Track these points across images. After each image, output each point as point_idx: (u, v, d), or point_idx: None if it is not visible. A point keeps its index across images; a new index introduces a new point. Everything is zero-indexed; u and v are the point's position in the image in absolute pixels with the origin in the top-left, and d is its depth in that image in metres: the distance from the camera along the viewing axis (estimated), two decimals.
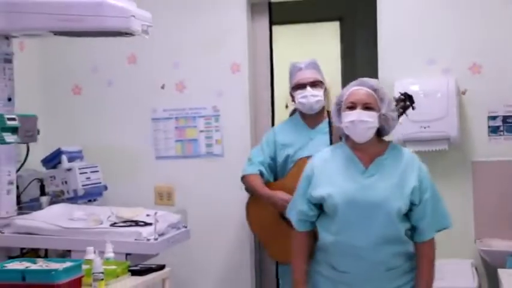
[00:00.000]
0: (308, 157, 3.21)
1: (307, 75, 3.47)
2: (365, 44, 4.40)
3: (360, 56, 5.31)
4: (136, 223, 3.26)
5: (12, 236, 3.27)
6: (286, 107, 6.23)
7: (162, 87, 4.17)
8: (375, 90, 2.65)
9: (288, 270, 3.31)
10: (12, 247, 3.36)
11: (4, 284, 2.54)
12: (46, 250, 3.38)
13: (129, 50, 4.15)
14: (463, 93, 3.83)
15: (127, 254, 3.12)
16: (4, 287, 2.54)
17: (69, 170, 3.77)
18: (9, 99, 3.40)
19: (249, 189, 3.55)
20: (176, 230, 3.39)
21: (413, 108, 3.10)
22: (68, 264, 2.61)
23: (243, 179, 3.54)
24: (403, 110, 3.08)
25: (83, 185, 3.78)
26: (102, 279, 2.66)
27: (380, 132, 2.70)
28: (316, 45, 5.52)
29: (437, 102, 3.69)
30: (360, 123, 2.61)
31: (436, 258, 2.68)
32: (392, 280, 2.63)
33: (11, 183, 3.40)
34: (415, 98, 3.12)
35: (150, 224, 3.21)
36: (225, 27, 4.08)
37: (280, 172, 3.51)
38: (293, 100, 3.53)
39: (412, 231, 2.65)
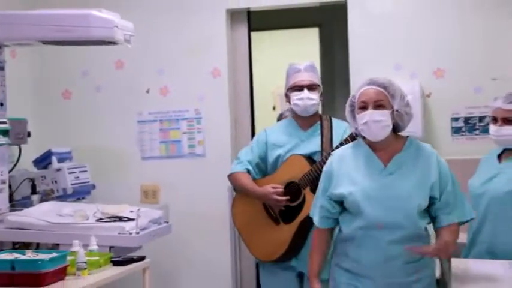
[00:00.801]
0: (299, 155, 3.40)
1: (306, 78, 3.46)
2: (341, 48, 4.63)
3: (337, 59, 5.56)
4: (120, 218, 3.50)
5: (5, 231, 3.50)
6: (274, 108, 6.47)
7: (147, 92, 4.41)
8: (385, 87, 2.64)
9: (270, 267, 3.44)
10: (5, 241, 3.60)
11: None
12: (37, 244, 3.62)
13: (116, 56, 4.38)
14: (428, 96, 4.08)
15: (111, 247, 3.36)
16: None
17: (58, 170, 4.00)
18: (1, 104, 3.62)
19: (237, 186, 3.54)
20: (158, 225, 3.61)
21: None
22: (53, 255, 2.85)
23: (231, 176, 3.53)
24: None
25: (71, 184, 4.01)
26: (85, 269, 2.90)
27: (396, 128, 2.69)
28: (297, 49, 5.77)
29: None
30: (374, 124, 2.61)
31: None
32: (411, 274, 2.64)
33: (3, 182, 3.63)
34: None
35: (132, 220, 3.45)
36: (206, 34, 4.32)
37: (270, 172, 3.51)
38: (288, 101, 3.52)
39: (433, 220, 2.69)
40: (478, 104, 4.00)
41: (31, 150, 4.16)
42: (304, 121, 3.50)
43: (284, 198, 3.34)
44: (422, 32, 4.08)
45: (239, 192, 3.56)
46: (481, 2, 4.04)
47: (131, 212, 3.58)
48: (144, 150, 4.42)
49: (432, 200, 2.66)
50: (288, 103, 3.53)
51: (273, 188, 3.36)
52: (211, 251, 4.32)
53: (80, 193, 4.12)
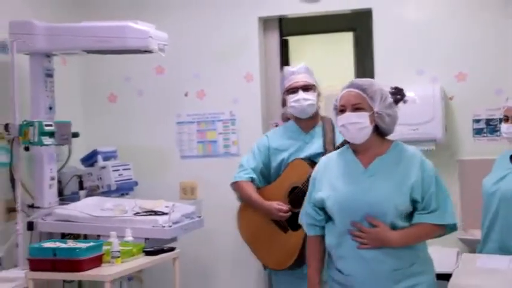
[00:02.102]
0: (302, 158, 3.44)
1: (299, 79, 3.52)
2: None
3: (370, 64, 5.72)
4: (155, 213, 3.81)
5: (53, 223, 3.85)
6: None
7: (186, 95, 4.70)
8: (363, 89, 2.62)
9: (284, 277, 3.48)
10: (54, 232, 3.96)
11: (39, 258, 3.14)
12: (85, 235, 3.94)
13: (157, 62, 4.67)
14: (451, 98, 4.24)
15: (146, 239, 3.68)
16: (39, 261, 3.13)
17: (103, 167, 4.33)
18: (50, 108, 3.98)
19: (242, 196, 3.61)
20: (190, 219, 3.92)
21: (404, 102, 2.94)
22: (90, 244, 3.18)
23: (234, 185, 3.61)
24: (396, 103, 3.24)
25: (115, 181, 4.33)
26: (119, 257, 3.22)
27: (381, 131, 2.67)
28: (332, 54, 5.99)
29: (425, 107, 4.09)
30: (350, 126, 2.60)
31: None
32: (399, 281, 2.59)
33: (52, 178, 3.99)
34: (407, 104, 3.17)
35: (166, 214, 3.76)
36: (239, 41, 4.59)
37: (274, 177, 3.57)
38: (285, 104, 3.60)
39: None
40: (498, 106, 4.11)
41: (80, 150, 4.52)
42: (305, 123, 3.53)
43: (287, 215, 3.40)
44: (443, 37, 4.25)
45: (243, 201, 3.61)
46: (503, 5, 4.16)
47: (166, 206, 3.89)
48: (183, 150, 4.72)
49: (415, 204, 2.63)
50: (286, 107, 3.60)
51: (278, 205, 3.41)
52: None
53: (124, 189, 4.43)
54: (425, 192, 2.62)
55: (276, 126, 4.26)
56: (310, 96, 3.48)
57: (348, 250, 2.62)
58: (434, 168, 2.70)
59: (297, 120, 3.58)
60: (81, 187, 4.35)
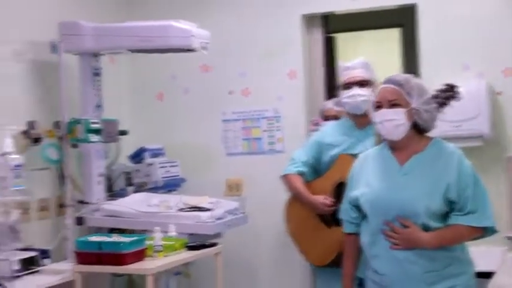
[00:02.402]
0: (351, 154, 3.34)
1: (354, 75, 3.43)
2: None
3: (417, 60, 5.66)
4: (199, 209, 3.88)
5: (101, 218, 3.96)
6: None
7: (231, 93, 4.77)
8: (401, 85, 2.58)
9: (327, 275, 3.43)
10: (102, 227, 4.07)
11: (86, 252, 3.24)
12: (133, 230, 4.02)
13: (202, 61, 4.74)
14: (499, 94, 4.17)
15: (189, 234, 3.75)
16: (86, 254, 3.24)
17: (150, 164, 4.42)
18: (98, 106, 4.10)
19: (289, 189, 3.59)
20: (233, 215, 3.97)
21: (457, 99, 2.85)
22: (133, 238, 3.27)
23: (284, 178, 3.60)
24: (446, 101, 3.12)
25: (162, 177, 4.42)
26: (161, 251, 3.30)
27: (420, 128, 2.61)
28: (381, 50, 5.95)
29: (470, 103, 4.00)
30: (387, 123, 2.58)
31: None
32: (433, 283, 2.54)
33: (100, 175, 4.10)
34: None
35: (209, 210, 3.82)
36: (282, 38, 4.62)
37: (324, 172, 3.53)
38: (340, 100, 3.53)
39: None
40: None
41: (129, 147, 4.63)
42: (359, 120, 3.45)
43: (331, 209, 3.37)
44: (490, 31, 4.18)
45: (292, 194, 3.61)
46: None
47: (210, 203, 3.95)
48: (228, 147, 4.78)
49: (451, 205, 2.56)
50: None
51: (324, 199, 3.41)
52: (290, 242, 4.60)
53: (171, 186, 4.52)
54: (461, 193, 2.55)
55: (316, 124, 4.25)
56: (364, 92, 3.39)
57: (381, 249, 2.60)
58: (473, 168, 2.62)
59: (352, 116, 3.51)
60: (129, 183, 4.45)
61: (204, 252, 3.53)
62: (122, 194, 4.35)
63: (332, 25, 5.23)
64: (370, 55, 5.43)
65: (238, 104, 4.74)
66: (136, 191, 4.36)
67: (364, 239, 2.68)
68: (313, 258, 3.52)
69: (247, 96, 4.73)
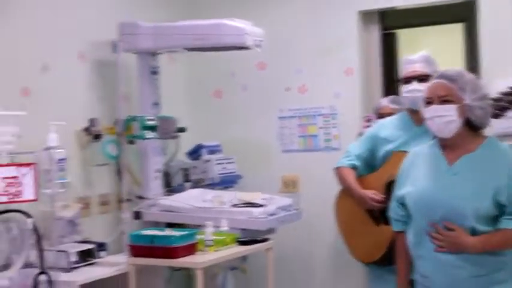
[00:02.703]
0: (405, 151, 3.14)
1: (414, 69, 3.33)
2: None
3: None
4: (252, 204, 3.93)
5: (157, 213, 4.07)
6: None
7: (287, 90, 4.79)
8: (453, 80, 2.50)
9: (378, 271, 3.38)
10: (160, 222, 4.17)
11: (139, 245, 3.34)
12: (189, 225, 4.10)
13: (259, 58, 4.78)
14: None
15: (242, 229, 3.80)
16: (139, 247, 3.34)
17: (207, 161, 4.50)
18: (156, 104, 4.21)
19: (340, 182, 3.57)
20: (287, 211, 4.00)
21: None
22: (184, 233, 3.34)
23: (336, 170, 3.57)
24: (510, 105, 3.04)
25: (219, 174, 4.50)
26: (212, 246, 3.36)
27: (473, 126, 2.52)
28: (444, 46, 5.83)
29: None
30: (437, 119, 2.50)
31: None
32: None
33: (157, 171, 4.22)
34: None
35: (262, 206, 3.86)
36: (339, 35, 4.61)
37: (378, 167, 3.46)
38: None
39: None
40: None
41: (188, 144, 4.73)
42: (418, 116, 3.25)
43: (380, 205, 3.31)
44: None
45: (342, 187, 3.58)
46: None
47: (264, 199, 3.99)
48: (284, 144, 4.80)
49: (501, 208, 2.45)
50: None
51: (373, 194, 3.34)
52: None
53: (227, 182, 4.58)
54: (511, 196, 2.44)
55: (368, 120, 4.21)
56: (424, 87, 3.08)
57: (426, 251, 2.52)
58: None
59: (410, 111, 3.40)
60: (186, 180, 4.54)
61: (255, 247, 3.58)
62: (179, 189, 4.44)
63: (391, 21, 5.18)
64: (432, 51, 5.34)
65: (294, 101, 4.76)
66: (193, 187, 4.44)
67: (410, 238, 2.61)
68: (360, 254, 3.49)
69: (304, 93, 4.74)
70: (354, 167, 3.51)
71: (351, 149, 3.59)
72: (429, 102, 2.56)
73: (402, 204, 2.64)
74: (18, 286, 2.08)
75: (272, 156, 4.84)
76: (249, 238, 3.64)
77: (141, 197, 4.19)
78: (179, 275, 4.50)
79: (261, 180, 4.73)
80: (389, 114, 3.96)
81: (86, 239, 3.60)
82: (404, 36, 5.82)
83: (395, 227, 2.72)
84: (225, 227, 3.63)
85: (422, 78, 3.31)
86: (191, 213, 3.94)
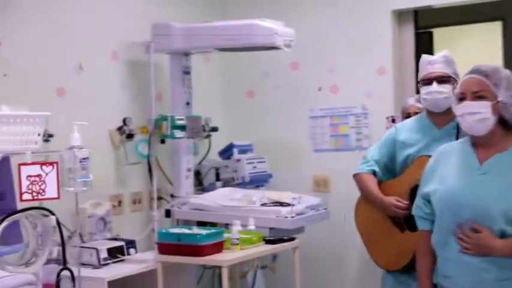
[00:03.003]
0: (428, 156, 2.97)
1: (434, 70, 3.21)
2: None
3: None
4: (281, 204, 3.95)
5: (187, 211, 4.12)
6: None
7: (319, 90, 4.79)
8: (487, 76, 2.40)
9: (400, 277, 3.21)
10: (190, 220, 4.22)
11: (166, 243, 3.39)
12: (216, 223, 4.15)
13: (292, 58, 4.79)
14: None
15: (270, 228, 3.82)
16: (166, 245, 3.39)
17: (238, 160, 4.54)
18: (187, 104, 4.26)
19: (361, 189, 3.43)
20: (315, 211, 4.00)
21: None
22: (211, 231, 3.38)
23: (356, 177, 3.43)
24: None
25: (249, 173, 4.53)
26: (238, 244, 3.39)
27: (508, 124, 2.43)
28: (482, 44, 5.75)
29: None
30: (469, 116, 2.40)
31: None
32: None
33: (189, 170, 4.26)
34: None
35: (290, 205, 3.88)
36: (372, 34, 4.59)
37: (398, 172, 3.33)
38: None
39: None
40: None
41: (221, 143, 4.78)
42: (438, 118, 3.24)
43: (404, 212, 3.18)
44: None
45: (363, 195, 3.43)
46: None
47: (294, 198, 4.01)
48: (316, 143, 4.81)
49: None
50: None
51: (397, 200, 3.21)
52: None
53: (258, 181, 4.61)
54: None
55: (393, 121, 4.17)
56: (444, 89, 3.16)
57: (452, 252, 2.44)
58: None
59: (430, 114, 3.28)
60: (217, 178, 4.59)
61: (281, 246, 3.59)
62: (211, 188, 4.49)
63: (427, 20, 5.13)
64: (469, 51, 5.28)
65: (326, 100, 4.76)
66: (224, 186, 4.49)
67: (435, 238, 2.51)
68: (383, 262, 3.33)
69: (335, 93, 4.74)
70: (374, 173, 3.37)
71: (369, 154, 3.44)
72: (462, 98, 2.45)
73: (428, 201, 2.54)
74: (42, 281, 2.15)
75: (303, 155, 4.84)
76: (275, 237, 3.65)
77: (173, 196, 4.25)
78: (209, 273, 4.55)
79: (293, 179, 4.74)
80: (416, 113, 3.87)
81: (117, 237, 3.66)
82: (440, 36, 5.76)
83: (422, 225, 2.60)
84: (251, 226, 3.66)
85: (443, 79, 3.20)
86: (219, 211, 3.98)
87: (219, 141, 4.78)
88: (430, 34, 5.71)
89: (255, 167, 4.60)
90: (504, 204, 2.34)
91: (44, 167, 2.19)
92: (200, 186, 4.60)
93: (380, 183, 3.35)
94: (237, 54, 4.69)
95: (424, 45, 5.28)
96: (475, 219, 2.38)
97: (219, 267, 4.29)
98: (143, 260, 3.47)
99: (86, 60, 3.97)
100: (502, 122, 2.42)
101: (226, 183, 4.53)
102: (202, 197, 4.18)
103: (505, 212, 2.33)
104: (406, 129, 3.34)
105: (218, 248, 3.35)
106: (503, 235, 2.36)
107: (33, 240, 2.15)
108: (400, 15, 4.64)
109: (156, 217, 3.94)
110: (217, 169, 4.61)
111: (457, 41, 5.99)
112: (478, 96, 2.41)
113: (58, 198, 2.30)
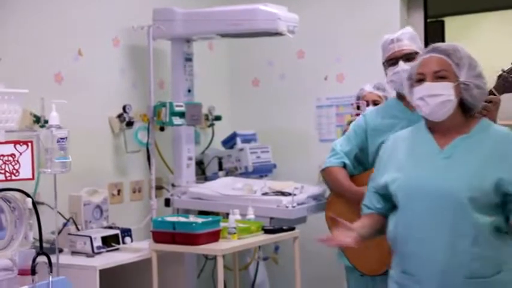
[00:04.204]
0: None
1: (402, 48, 2.92)
2: None
3: None
4: (283, 193, 3.85)
5: (186, 200, 4.04)
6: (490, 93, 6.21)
7: (325, 79, 4.69)
8: (448, 55, 2.20)
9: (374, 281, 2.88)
10: (191, 209, 4.13)
11: (161, 231, 3.31)
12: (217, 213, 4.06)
13: (298, 46, 4.70)
14: None
15: (271, 218, 3.73)
16: (161, 233, 3.30)
17: (241, 150, 4.45)
18: (189, 91, 4.17)
19: (331, 183, 3.04)
20: (318, 201, 3.90)
21: None
22: (207, 219, 3.29)
23: (324, 171, 3.06)
24: None
25: (253, 163, 4.44)
26: (235, 233, 3.30)
27: (466, 108, 2.22)
28: (496, 34, 5.60)
29: None
30: (431, 99, 2.17)
31: None
32: None
33: (190, 158, 4.18)
34: None
35: (291, 194, 3.78)
36: (380, 22, 4.46)
37: (371, 163, 2.85)
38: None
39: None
40: None
41: (225, 132, 4.70)
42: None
43: None
44: None
45: (334, 190, 3.08)
46: None
47: (296, 188, 3.91)
48: (322, 133, 4.71)
49: (507, 197, 2.14)
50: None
51: None
52: None
53: (261, 171, 4.53)
54: None
55: (358, 107, 3.64)
56: None
57: (415, 247, 2.18)
58: None
59: (400, 96, 2.97)
60: (220, 168, 4.51)
61: (281, 236, 3.49)
62: (214, 178, 4.41)
63: (439, 8, 4.99)
64: (485, 41, 5.11)
65: (332, 89, 4.66)
66: (227, 176, 4.40)
67: (395, 233, 2.25)
68: (364, 267, 2.93)
69: (342, 82, 4.63)
70: (344, 166, 3.00)
71: (337, 146, 3.07)
72: (421, 79, 2.22)
73: (382, 195, 2.31)
74: (19, 267, 2.07)
75: (309, 145, 4.74)
76: (275, 227, 3.56)
77: (174, 185, 4.17)
78: (211, 265, 4.46)
79: (298, 169, 4.64)
80: (375, 102, 3.69)
81: (112, 225, 3.59)
82: (455, 24, 5.60)
83: (367, 211, 2.37)
84: (251, 215, 3.57)
85: (410, 56, 2.90)
86: (220, 201, 3.90)
87: (223, 131, 4.70)
88: (442, 24, 5.55)
89: (258, 157, 4.51)
90: (470, 189, 2.12)
91: (17, 146, 2.10)
92: (203, 175, 4.52)
93: (351, 177, 2.99)
94: (242, 42, 4.60)
95: (435, 35, 5.15)
96: (442, 207, 2.14)
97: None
98: (138, 249, 3.39)
99: (86, 46, 3.90)
100: (461, 105, 2.22)
101: (229, 173, 4.45)
102: (203, 186, 4.10)
103: (472, 197, 2.12)
104: (376, 116, 3.01)
105: (214, 237, 3.26)
106: (475, 224, 2.12)
107: (11, 224, 2.07)
108: (409, 2, 4.51)
109: (154, 206, 3.86)
110: (220, 158, 4.53)
111: (471, 31, 5.81)
112: (439, 77, 2.20)
113: (32, 179, 2.22)
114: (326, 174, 3.06)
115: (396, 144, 2.35)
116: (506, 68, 2.59)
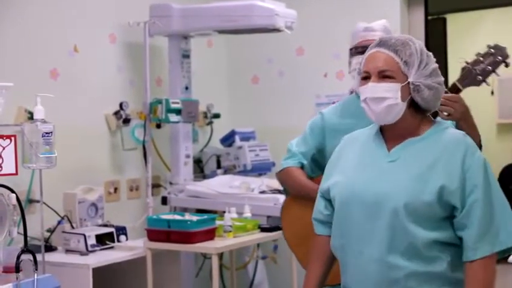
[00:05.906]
0: None
1: (373, 38, 2.61)
2: None
3: None
4: (279, 191, 3.80)
5: (183, 198, 4.00)
6: (492, 93, 6.09)
7: (325, 76, 4.64)
8: (396, 51, 1.92)
9: None
10: (188, 207, 4.09)
11: (156, 229, 3.27)
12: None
13: (297, 43, 4.65)
14: None
15: (268, 216, 3.68)
16: (156, 231, 3.27)
17: (240, 148, 4.40)
18: (187, 88, 4.13)
19: (291, 183, 2.78)
20: None
21: (506, 65, 2.37)
22: (202, 217, 3.25)
23: (280, 173, 2.81)
24: (492, 68, 2.37)
25: (251, 161, 4.40)
26: (230, 231, 3.26)
27: (419, 108, 1.96)
28: (501, 32, 5.54)
29: None
30: (375, 104, 1.92)
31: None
32: None
33: (187, 156, 4.14)
34: None
35: None
36: (380, 18, 4.34)
37: None
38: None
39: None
40: None
41: (224, 130, 4.65)
42: None
43: None
44: None
45: (294, 191, 2.79)
46: None
47: None
48: None
49: (453, 211, 1.90)
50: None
51: None
52: None
53: (260, 169, 4.47)
54: (465, 196, 1.89)
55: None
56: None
57: (349, 255, 1.99)
58: (487, 164, 1.95)
59: None
60: (219, 166, 4.47)
61: (277, 234, 3.44)
62: (212, 176, 4.37)
63: (440, 5, 4.93)
64: (489, 39, 5.04)
65: (332, 87, 4.59)
66: (225, 174, 4.36)
67: (334, 242, 2.05)
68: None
69: (342, 79, 4.57)
70: (302, 167, 2.76)
71: (293, 147, 2.85)
72: (366, 77, 1.97)
73: (329, 200, 2.08)
74: (4, 264, 2.03)
75: None
76: (271, 225, 3.51)
77: (171, 183, 4.13)
78: (210, 264, 4.41)
79: None
80: None
81: (107, 223, 3.55)
82: (457, 21, 5.54)
83: (319, 229, 2.13)
84: (247, 213, 3.52)
85: None
86: (217, 199, 3.87)
87: (222, 128, 4.65)
88: (444, 21, 5.50)
89: (257, 155, 4.46)
90: (408, 195, 1.90)
91: (0, 140, 2.05)
92: (201, 173, 4.47)
93: (310, 179, 2.73)
94: (241, 40, 4.55)
95: (436, 32, 5.10)
96: (378, 214, 1.92)
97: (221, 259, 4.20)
98: (133, 247, 3.35)
99: (82, 42, 3.86)
100: (413, 105, 1.95)
101: (228, 171, 4.41)
102: (200, 184, 4.06)
103: (408, 203, 1.89)
104: (335, 114, 2.77)
105: (210, 235, 3.23)
106: (413, 238, 1.88)
107: None
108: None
109: (150, 204, 3.82)
110: (218, 156, 4.49)
111: (473, 28, 5.76)
112: (384, 76, 1.93)
113: (16, 174, 2.17)
114: (284, 175, 2.80)
115: (346, 145, 2.14)
116: (470, 60, 2.39)
